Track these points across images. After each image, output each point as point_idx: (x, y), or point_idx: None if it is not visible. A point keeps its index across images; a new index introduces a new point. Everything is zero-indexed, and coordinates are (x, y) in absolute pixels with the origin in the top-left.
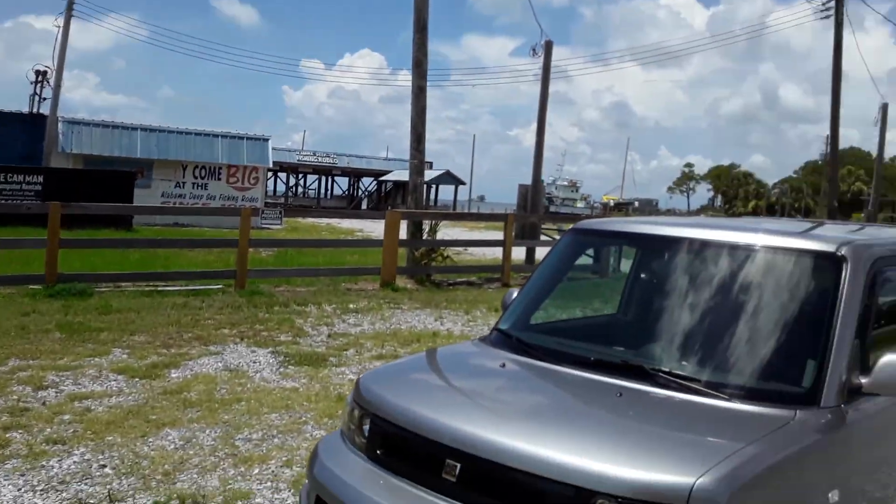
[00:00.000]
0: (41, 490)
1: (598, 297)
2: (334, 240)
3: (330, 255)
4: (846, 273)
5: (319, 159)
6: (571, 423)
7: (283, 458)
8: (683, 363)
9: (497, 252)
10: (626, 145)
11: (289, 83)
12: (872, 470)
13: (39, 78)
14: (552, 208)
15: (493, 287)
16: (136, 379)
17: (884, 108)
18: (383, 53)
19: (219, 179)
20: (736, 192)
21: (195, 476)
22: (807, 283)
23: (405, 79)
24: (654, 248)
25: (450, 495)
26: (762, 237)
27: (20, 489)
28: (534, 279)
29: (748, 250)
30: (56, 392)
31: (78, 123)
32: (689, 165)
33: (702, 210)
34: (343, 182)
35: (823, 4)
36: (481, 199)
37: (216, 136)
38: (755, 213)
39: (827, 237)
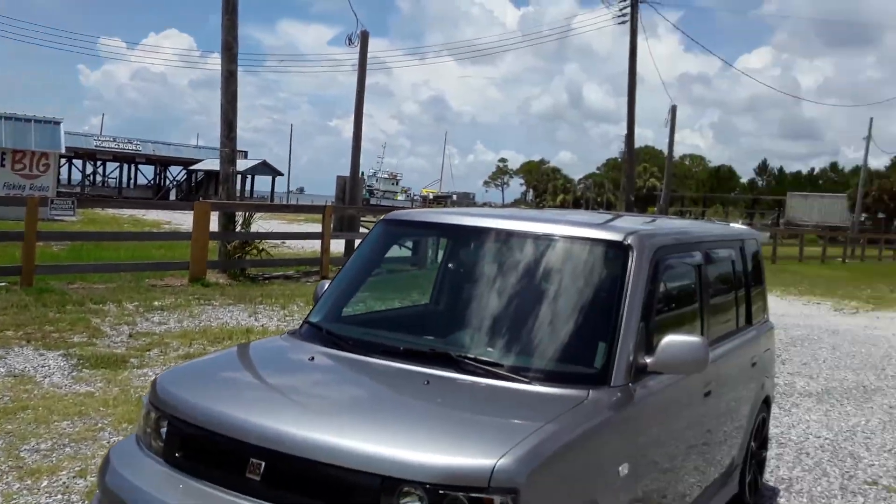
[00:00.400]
0: None
1: (416, 288)
2: (137, 232)
3: (133, 250)
4: (632, 261)
5: (121, 145)
6: (377, 412)
7: (76, 469)
8: (489, 349)
9: (316, 245)
10: (444, 139)
11: (85, 62)
12: (659, 443)
13: None
14: (373, 200)
15: (311, 280)
16: None
17: (673, 111)
18: (192, 35)
19: (2, 166)
20: (546, 187)
21: None
22: (599, 270)
23: (216, 62)
24: (461, 239)
25: (254, 495)
26: (561, 227)
27: None
28: (345, 270)
29: (548, 240)
30: None
31: None
32: (503, 160)
33: (515, 204)
34: (148, 171)
35: (620, 10)
36: (301, 190)
37: None
38: (563, 206)
39: (617, 227)
